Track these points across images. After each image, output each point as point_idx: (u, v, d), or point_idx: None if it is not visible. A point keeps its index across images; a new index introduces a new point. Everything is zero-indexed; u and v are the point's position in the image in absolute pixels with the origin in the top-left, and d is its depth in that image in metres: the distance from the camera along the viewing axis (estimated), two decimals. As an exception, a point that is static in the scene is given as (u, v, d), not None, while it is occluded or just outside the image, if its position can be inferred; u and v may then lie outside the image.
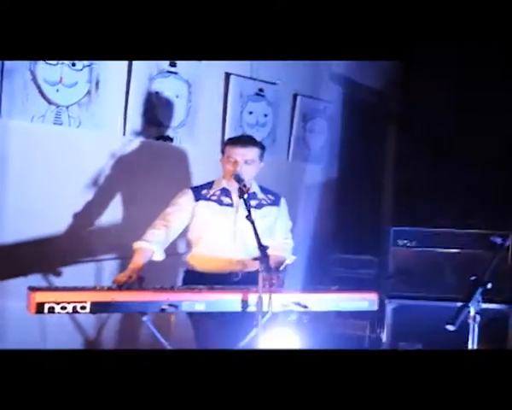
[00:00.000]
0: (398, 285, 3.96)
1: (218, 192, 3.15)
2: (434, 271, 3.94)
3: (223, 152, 3.18)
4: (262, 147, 3.19)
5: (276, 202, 3.25)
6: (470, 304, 2.54)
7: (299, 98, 4.74)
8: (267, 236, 3.07)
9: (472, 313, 2.55)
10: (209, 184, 3.20)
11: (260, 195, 3.22)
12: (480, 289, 2.54)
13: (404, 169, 5.20)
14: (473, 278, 2.60)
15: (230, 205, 3.14)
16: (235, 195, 3.10)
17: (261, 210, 3.15)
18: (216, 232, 3.13)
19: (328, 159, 5.03)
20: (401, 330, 3.93)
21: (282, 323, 2.94)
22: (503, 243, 2.89)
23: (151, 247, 3.02)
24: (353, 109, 4.94)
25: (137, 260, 2.95)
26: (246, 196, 2.92)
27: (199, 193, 3.15)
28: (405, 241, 3.98)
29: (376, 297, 3.11)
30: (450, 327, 2.45)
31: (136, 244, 3.03)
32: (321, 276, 4.48)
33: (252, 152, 3.11)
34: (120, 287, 2.75)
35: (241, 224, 3.00)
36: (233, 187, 3.12)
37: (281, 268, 3.25)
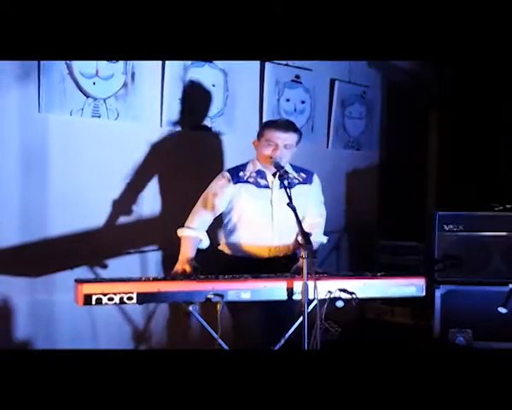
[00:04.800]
0: (446, 271, 3.88)
1: (255, 174, 3.16)
2: (482, 255, 3.86)
3: (260, 135, 3.16)
4: (300, 133, 3.19)
5: (308, 180, 3.25)
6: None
7: (336, 84, 4.67)
8: (301, 214, 3.02)
9: (524, 294, 2.47)
10: (244, 166, 3.20)
11: (293, 174, 3.20)
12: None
13: (448, 152, 5.09)
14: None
15: (267, 187, 3.14)
16: (269, 176, 3.12)
17: (293, 189, 3.09)
18: (256, 214, 3.13)
19: (369, 145, 4.95)
20: (450, 316, 3.85)
21: (329, 310, 2.88)
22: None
23: (197, 234, 3.03)
24: (392, 93, 4.85)
25: (187, 251, 2.95)
26: (286, 182, 2.87)
27: (236, 175, 3.15)
28: (451, 225, 3.90)
29: (424, 283, 3.03)
30: (502, 310, 2.39)
31: (182, 231, 3.03)
32: (366, 263, 4.42)
33: (292, 137, 3.12)
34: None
35: (277, 204, 3.05)
36: (267, 168, 3.13)
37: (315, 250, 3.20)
